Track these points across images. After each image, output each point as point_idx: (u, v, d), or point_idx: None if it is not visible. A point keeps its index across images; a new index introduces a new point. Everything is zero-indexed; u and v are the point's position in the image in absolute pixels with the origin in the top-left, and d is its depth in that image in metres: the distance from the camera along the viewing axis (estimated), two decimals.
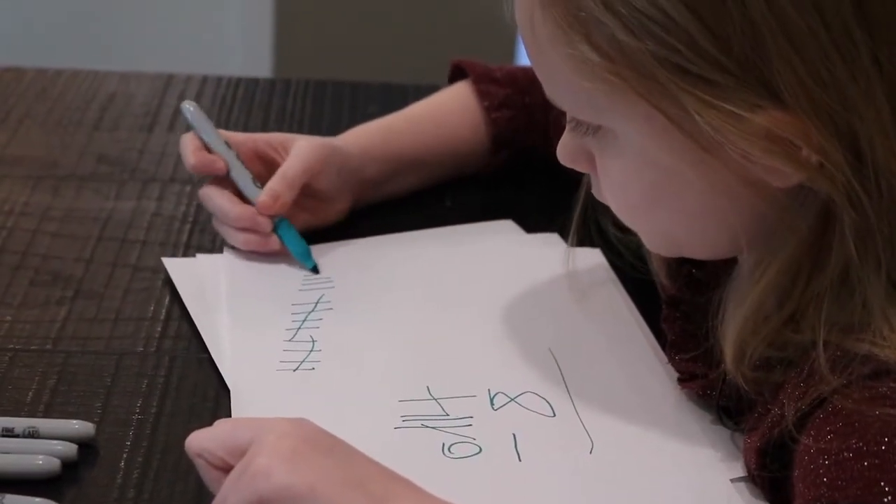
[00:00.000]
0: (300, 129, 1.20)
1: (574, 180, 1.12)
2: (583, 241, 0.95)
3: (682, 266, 0.86)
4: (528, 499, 0.77)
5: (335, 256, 1.01)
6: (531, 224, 1.07)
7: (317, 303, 0.95)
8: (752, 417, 0.76)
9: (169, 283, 0.97)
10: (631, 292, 0.97)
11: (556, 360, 0.89)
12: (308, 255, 1.00)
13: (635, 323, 0.93)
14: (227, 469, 0.69)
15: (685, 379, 0.84)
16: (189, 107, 1.04)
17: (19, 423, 0.80)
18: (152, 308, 0.95)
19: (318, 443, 0.68)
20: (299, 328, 0.92)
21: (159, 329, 0.92)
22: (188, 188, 1.10)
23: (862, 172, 0.68)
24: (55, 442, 0.78)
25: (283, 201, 0.99)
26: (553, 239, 1.04)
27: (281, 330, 0.92)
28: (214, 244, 1.03)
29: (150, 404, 0.84)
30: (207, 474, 0.71)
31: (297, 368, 0.88)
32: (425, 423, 0.82)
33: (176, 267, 0.99)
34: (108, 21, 2.71)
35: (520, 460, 0.79)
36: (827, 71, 0.67)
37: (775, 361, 0.73)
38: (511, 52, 2.67)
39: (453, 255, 1.03)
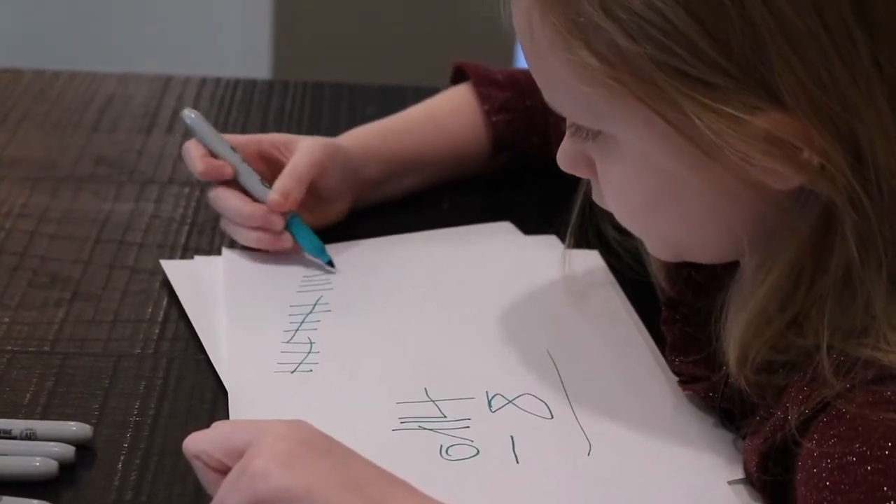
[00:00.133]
0: (298, 131, 1.20)
1: (573, 182, 1.12)
2: (580, 243, 0.95)
3: (681, 269, 0.86)
4: (525, 501, 0.77)
5: (333, 258, 1.01)
6: (530, 226, 1.07)
7: (315, 304, 0.95)
8: (753, 420, 0.75)
9: (167, 284, 0.97)
10: (629, 294, 0.97)
11: (553, 363, 0.89)
12: (322, 250, 1.00)
13: (633, 325, 0.93)
14: (224, 471, 0.69)
15: (686, 381, 0.84)
16: (190, 114, 1.04)
17: (17, 424, 0.80)
18: (150, 310, 0.95)
19: (315, 445, 0.68)
20: (297, 329, 0.92)
21: (157, 331, 0.92)
22: (186, 190, 1.10)
23: (863, 174, 0.68)
24: (52, 444, 0.78)
25: (294, 198, 0.99)
26: (551, 241, 1.04)
27: (279, 331, 0.92)
28: (212, 246, 1.03)
29: (147, 406, 0.84)
30: (205, 476, 0.71)
31: (295, 370, 0.88)
32: (423, 425, 0.82)
33: (174, 269, 0.99)
34: (107, 22, 2.71)
35: (517, 462, 0.79)
36: (827, 72, 0.67)
37: (778, 365, 0.73)
38: (510, 54, 2.67)
39: (452, 257, 1.03)
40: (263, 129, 1.22)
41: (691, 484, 0.78)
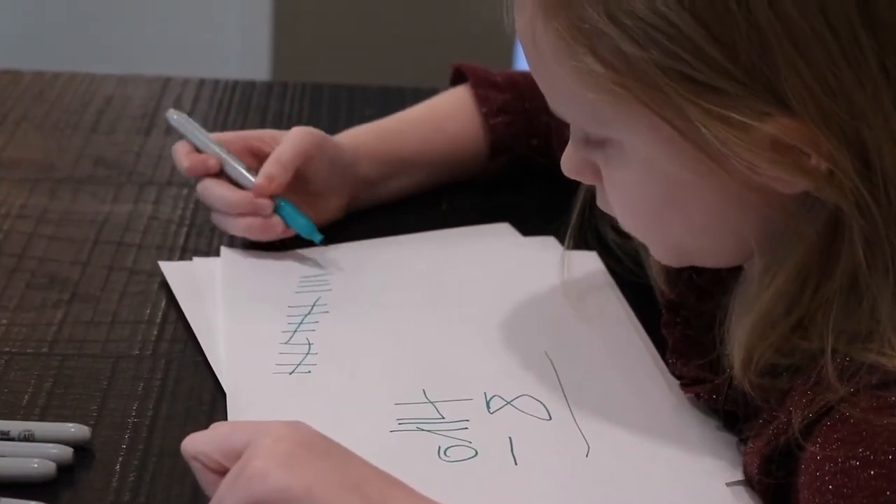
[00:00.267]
0: None
1: (572, 185, 1.12)
2: (579, 245, 0.95)
3: (682, 272, 0.86)
4: (524, 502, 0.77)
5: (332, 259, 1.01)
6: (528, 228, 1.07)
7: (313, 305, 0.95)
8: (756, 424, 0.75)
9: (165, 286, 0.97)
10: (628, 297, 0.97)
11: (552, 364, 0.89)
12: (314, 229, 1.00)
13: (632, 326, 0.93)
14: (222, 472, 0.69)
15: (688, 384, 0.84)
16: (173, 115, 1.05)
17: (15, 426, 0.80)
18: (148, 311, 0.95)
19: (314, 446, 0.68)
20: (295, 331, 0.92)
21: (155, 332, 0.92)
22: (185, 191, 1.10)
23: (871, 180, 0.68)
24: (51, 445, 0.78)
25: (279, 182, 1.00)
26: (550, 242, 1.04)
27: (277, 333, 0.92)
28: (211, 247, 1.03)
29: (146, 407, 0.84)
30: (203, 477, 0.71)
31: (293, 371, 0.88)
32: (421, 426, 0.82)
33: (172, 270, 0.99)
34: (106, 23, 2.71)
35: (516, 464, 0.79)
36: (834, 76, 0.67)
37: (782, 368, 0.73)
38: (510, 56, 2.67)
39: (450, 258, 1.03)
40: None
41: (689, 485, 0.78)
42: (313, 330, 0.92)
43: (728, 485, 0.77)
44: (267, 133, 1.06)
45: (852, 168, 0.67)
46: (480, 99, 1.11)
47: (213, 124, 1.23)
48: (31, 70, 1.35)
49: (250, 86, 1.34)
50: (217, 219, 1.02)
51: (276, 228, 1.00)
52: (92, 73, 1.35)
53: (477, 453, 0.80)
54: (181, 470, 0.77)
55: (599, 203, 0.82)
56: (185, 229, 1.06)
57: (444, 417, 0.83)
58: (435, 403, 0.85)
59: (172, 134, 1.20)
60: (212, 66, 2.46)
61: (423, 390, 0.86)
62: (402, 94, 1.29)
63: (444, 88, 1.16)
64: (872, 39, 0.67)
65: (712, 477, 0.78)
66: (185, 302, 0.95)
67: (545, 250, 1.03)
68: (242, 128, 1.24)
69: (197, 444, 0.71)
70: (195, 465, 0.71)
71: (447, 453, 0.80)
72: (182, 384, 0.87)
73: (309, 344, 0.91)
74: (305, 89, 1.34)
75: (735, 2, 0.66)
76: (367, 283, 0.99)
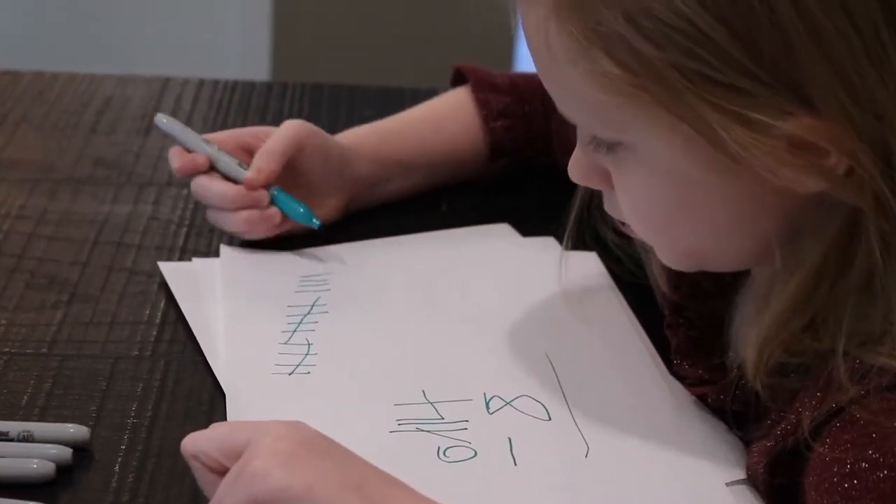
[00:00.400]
0: None
1: (571, 186, 1.12)
2: (578, 246, 0.95)
3: (685, 273, 0.85)
4: (523, 503, 0.77)
5: (331, 258, 1.01)
6: (528, 228, 1.07)
7: (312, 305, 0.95)
8: (764, 424, 0.75)
9: (164, 286, 0.97)
10: (628, 297, 0.97)
11: (551, 364, 0.89)
12: (310, 215, 1.00)
13: (631, 327, 0.93)
14: (222, 472, 0.69)
15: (694, 384, 0.83)
16: (163, 119, 1.06)
17: (14, 426, 0.80)
18: (148, 312, 0.95)
19: (314, 445, 0.68)
20: (295, 331, 0.92)
21: (155, 333, 0.92)
22: (185, 192, 1.10)
23: (892, 178, 0.67)
24: (50, 446, 0.78)
25: (268, 171, 1.00)
26: (549, 243, 1.04)
27: (276, 333, 0.92)
28: (210, 248, 1.03)
29: (145, 408, 0.84)
30: (203, 477, 0.71)
31: (292, 372, 0.88)
32: (420, 426, 0.82)
33: (171, 271, 0.99)
34: (106, 24, 2.71)
35: (515, 464, 0.79)
36: (857, 75, 0.66)
37: (790, 368, 0.72)
38: (510, 57, 2.67)
39: (449, 259, 1.03)
40: None
41: (689, 486, 0.78)
42: (313, 330, 0.92)
43: (728, 485, 0.77)
44: (260, 129, 1.06)
45: (874, 166, 0.67)
46: (480, 102, 1.11)
47: (212, 125, 1.23)
48: (31, 70, 1.35)
49: (250, 86, 1.34)
50: (213, 216, 1.02)
51: (273, 219, 1.00)
52: (91, 73, 1.35)
53: (476, 454, 0.80)
54: (180, 470, 0.77)
55: (607, 208, 0.81)
56: (184, 230, 1.06)
57: (443, 418, 0.83)
58: (434, 404, 0.85)
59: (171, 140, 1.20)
60: (211, 67, 2.46)
61: (423, 391, 0.86)
62: (402, 95, 1.29)
63: (444, 89, 1.16)
64: (894, 36, 0.66)
65: (712, 477, 0.78)
66: (185, 302, 0.95)
67: (545, 251, 1.03)
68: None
69: (197, 443, 0.71)
70: (195, 465, 0.71)
71: (447, 454, 0.80)
72: (181, 385, 0.87)
73: (308, 344, 0.91)
74: (305, 90, 1.34)
75: (758, 1, 0.65)
76: (367, 284, 0.99)
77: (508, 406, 0.85)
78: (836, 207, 0.70)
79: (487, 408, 0.84)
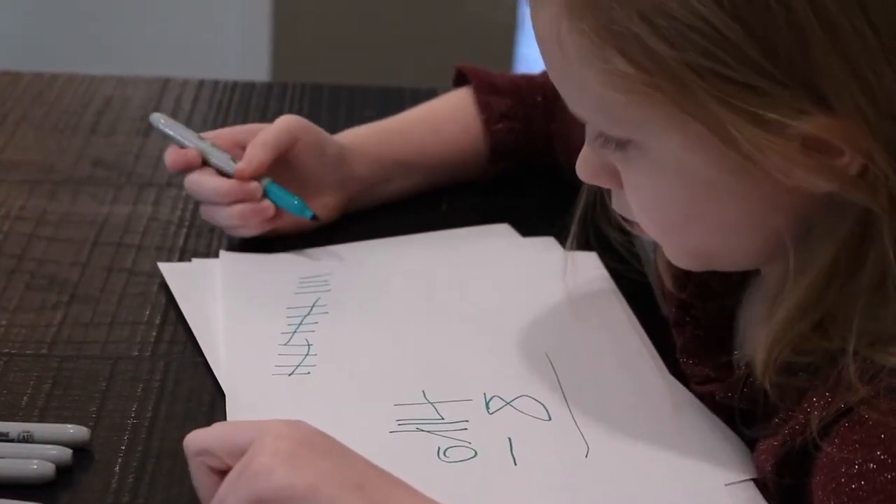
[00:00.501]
0: None
1: (572, 186, 1.12)
2: (582, 246, 0.94)
3: (692, 272, 0.84)
4: (523, 503, 0.77)
5: (331, 259, 1.01)
6: (528, 229, 1.07)
7: (312, 306, 0.95)
8: (772, 423, 0.75)
9: (164, 287, 0.97)
10: (629, 297, 0.96)
11: (551, 364, 0.89)
12: (304, 207, 1.00)
13: (631, 327, 0.93)
14: (224, 471, 0.69)
15: (700, 382, 0.83)
16: (159, 118, 1.07)
17: (14, 427, 0.80)
18: (148, 312, 0.95)
19: (316, 444, 0.68)
20: (295, 332, 0.92)
21: (154, 333, 0.92)
22: (184, 193, 1.10)
23: None
24: (50, 446, 0.78)
25: (259, 161, 1.00)
26: (549, 242, 1.04)
27: (276, 334, 0.92)
28: (210, 248, 1.03)
29: (145, 409, 0.84)
30: (200, 477, 0.71)
31: (292, 373, 0.88)
32: (421, 426, 0.82)
33: (171, 271, 0.99)
34: (105, 24, 2.71)
35: (515, 464, 0.79)
36: (873, 73, 0.66)
37: (798, 366, 0.72)
38: (510, 57, 2.67)
39: (449, 259, 1.03)
40: None
41: (688, 486, 0.78)
42: (313, 331, 0.92)
43: (727, 485, 0.77)
44: (255, 126, 1.06)
45: (888, 165, 0.67)
46: (482, 105, 1.11)
47: (212, 125, 1.23)
48: (31, 71, 1.35)
49: (250, 86, 1.34)
50: (207, 212, 1.02)
51: (267, 212, 1.00)
52: (91, 74, 1.35)
53: (476, 454, 0.80)
54: (180, 471, 0.77)
55: (615, 206, 0.81)
56: (184, 230, 1.06)
57: (443, 418, 0.83)
58: (434, 404, 0.85)
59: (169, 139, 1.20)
60: (211, 67, 2.46)
61: (423, 391, 0.86)
62: (402, 95, 1.29)
63: (444, 89, 1.16)
64: None
65: (712, 477, 0.78)
66: (185, 303, 0.95)
67: (545, 251, 1.03)
68: None
69: (200, 440, 0.71)
70: (196, 463, 0.71)
71: (447, 454, 0.80)
72: (181, 385, 0.87)
73: (308, 345, 0.91)
74: (305, 90, 1.34)
75: (775, 0, 0.65)
76: (367, 284, 0.99)
77: (508, 406, 0.85)
78: (847, 207, 0.70)
79: (487, 408, 0.84)
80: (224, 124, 1.24)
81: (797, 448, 0.71)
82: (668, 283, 0.86)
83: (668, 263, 0.84)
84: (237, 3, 2.69)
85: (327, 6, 2.70)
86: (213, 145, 1.02)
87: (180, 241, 1.04)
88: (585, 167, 0.79)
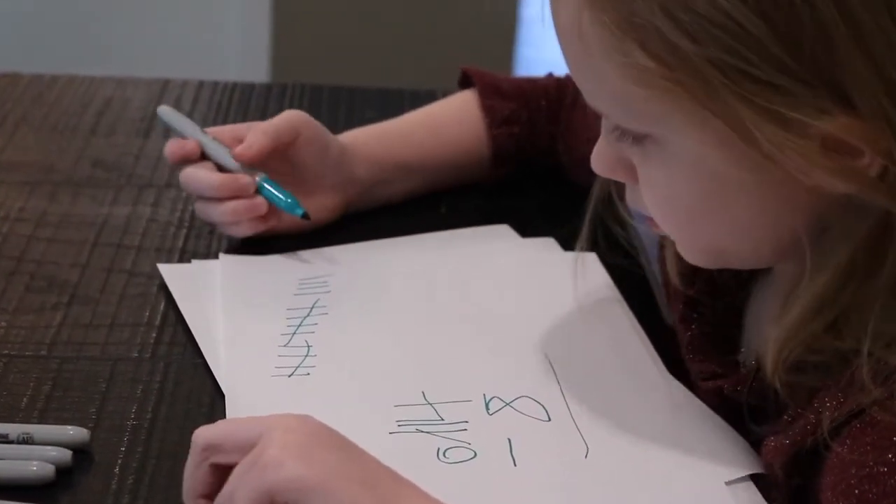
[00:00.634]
0: None
1: (572, 187, 1.13)
2: (591, 244, 0.94)
3: (700, 269, 0.84)
4: (522, 503, 0.77)
5: (331, 260, 1.01)
6: (528, 229, 1.07)
7: (312, 307, 0.95)
8: (781, 420, 0.74)
9: (164, 288, 0.97)
10: (629, 297, 0.96)
11: (551, 365, 0.89)
12: (296, 204, 1.00)
13: (632, 327, 0.93)
14: (227, 470, 0.69)
15: (707, 378, 0.83)
16: (165, 110, 1.07)
17: (14, 428, 0.80)
18: (147, 314, 0.95)
19: (325, 439, 0.68)
20: (294, 333, 0.92)
21: (154, 335, 0.92)
22: (184, 193, 1.10)
23: None
24: (49, 448, 0.78)
25: (260, 146, 1.00)
26: (549, 243, 1.04)
27: (276, 335, 0.92)
28: (210, 250, 1.03)
29: (145, 410, 0.84)
30: (201, 474, 0.70)
31: (292, 374, 0.88)
32: (420, 427, 0.82)
33: (171, 272, 0.99)
34: (105, 26, 2.71)
35: (515, 465, 0.79)
36: None
37: (809, 366, 0.72)
38: (510, 59, 2.67)
39: (449, 260, 1.03)
40: None
41: (688, 486, 0.78)
42: (312, 332, 0.92)
43: (728, 483, 0.77)
44: (257, 123, 1.06)
45: None
46: (486, 108, 1.10)
47: (212, 126, 1.23)
48: (30, 72, 1.35)
49: (249, 87, 1.34)
50: (201, 208, 1.02)
51: (259, 208, 1.00)
52: (91, 75, 1.35)
53: (476, 455, 0.80)
54: (180, 472, 0.76)
55: (629, 200, 0.80)
56: (184, 231, 1.06)
57: (443, 419, 0.83)
58: (434, 405, 0.85)
59: (171, 136, 1.20)
60: (211, 68, 2.47)
61: (423, 392, 0.86)
62: (402, 96, 1.30)
63: (444, 90, 1.16)
64: None
65: (712, 477, 0.78)
66: (184, 304, 0.95)
67: (544, 252, 1.03)
68: None
69: (209, 435, 0.70)
70: (199, 458, 0.70)
71: (446, 455, 0.80)
72: (181, 387, 0.87)
73: (308, 346, 0.91)
74: (305, 91, 1.34)
75: None
76: (366, 285, 0.99)
77: (508, 407, 0.85)
78: (867, 208, 0.69)
79: (487, 409, 0.85)
80: (224, 125, 1.24)
81: (807, 448, 0.71)
82: (675, 280, 0.86)
83: (677, 259, 0.83)
84: (237, 4, 2.69)
85: (327, 7, 2.70)
86: (214, 139, 1.03)
87: (180, 243, 1.04)
88: (601, 160, 0.78)
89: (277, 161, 1.03)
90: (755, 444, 0.79)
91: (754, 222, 0.73)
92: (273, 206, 1.01)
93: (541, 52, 3.47)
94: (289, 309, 0.95)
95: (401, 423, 0.83)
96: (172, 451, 0.79)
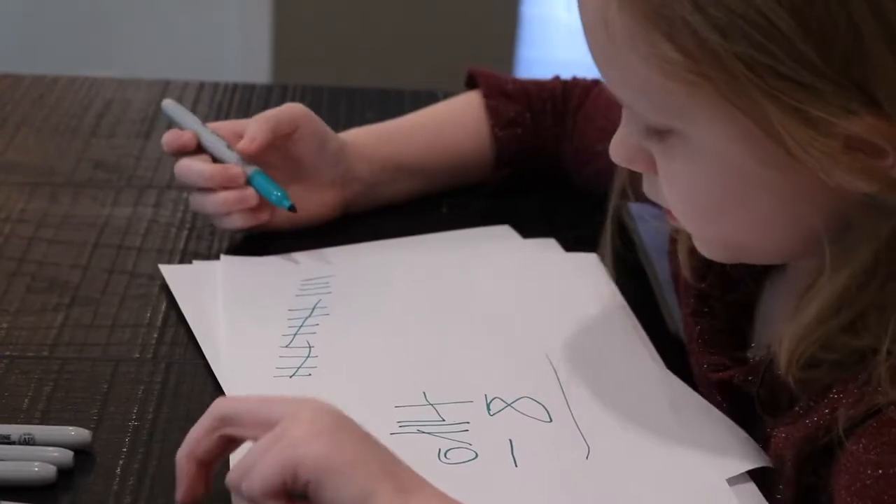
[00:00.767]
0: None
1: (573, 188, 1.13)
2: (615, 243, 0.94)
3: (713, 263, 0.83)
4: None
5: (332, 261, 1.01)
6: (529, 231, 1.07)
7: (313, 308, 0.95)
8: (793, 410, 0.74)
9: (165, 289, 0.97)
10: (630, 298, 0.96)
11: (552, 366, 0.89)
12: (285, 197, 1.00)
13: (633, 328, 0.93)
14: (234, 443, 0.70)
15: (717, 370, 0.82)
16: (169, 104, 1.07)
17: (15, 429, 0.80)
18: (149, 314, 0.95)
19: (350, 428, 0.68)
20: (296, 334, 0.92)
21: (156, 335, 0.92)
22: (185, 194, 1.10)
23: None
24: (51, 449, 0.78)
25: (260, 139, 1.00)
26: (550, 244, 1.04)
27: (277, 336, 0.92)
28: (211, 250, 1.03)
29: (146, 411, 0.84)
30: (208, 443, 0.70)
31: (293, 374, 0.88)
32: (421, 428, 0.82)
33: (172, 273, 0.99)
34: (106, 27, 2.71)
35: (516, 466, 0.79)
36: None
37: (823, 362, 0.72)
38: (510, 61, 2.67)
39: (450, 261, 1.03)
40: None
41: (690, 488, 0.78)
42: (314, 333, 0.92)
43: (729, 480, 0.77)
44: (257, 115, 1.06)
45: None
46: (490, 110, 1.10)
47: None
48: (31, 74, 1.35)
49: (250, 88, 1.34)
50: (195, 200, 1.02)
51: (249, 200, 1.00)
52: (92, 76, 1.35)
53: (477, 456, 0.80)
54: None
55: (647, 192, 0.79)
56: (185, 232, 1.06)
57: (444, 420, 0.83)
58: (435, 406, 0.85)
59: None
60: (212, 69, 2.47)
61: (424, 393, 0.86)
62: (402, 98, 1.30)
63: (444, 91, 1.16)
64: None
65: (714, 480, 0.78)
66: (186, 304, 0.95)
67: (545, 252, 1.03)
68: None
69: (229, 406, 0.71)
70: (212, 426, 0.70)
71: (447, 455, 0.80)
72: (182, 387, 0.87)
73: (309, 347, 0.91)
74: (305, 92, 1.34)
75: None
76: (368, 286, 0.99)
77: (509, 408, 0.85)
78: (889, 207, 0.69)
79: (488, 409, 0.85)
80: None
81: (820, 443, 0.71)
82: (687, 274, 0.85)
83: (690, 253, 0.83)
84: (237, 5, 2.70)
85: (327, 8, 2.70)
86: (213, 132, 1.03)
87: (181, 244, 1.04)
88: (621, 150, 0.78)
89: (275, 154, 1.03)
90: (764, 435, 0.78)
91: (774, 218, 0.73)
92: (265, 201, 1.01)
93: (541, 53, 3.48)
94: (290, 310, 0.95)
95: (402, 424, 0.83)
96: (174, 452, 0.79)
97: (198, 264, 1.01)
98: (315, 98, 1.32)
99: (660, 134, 0.73)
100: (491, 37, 2.55)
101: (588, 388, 0.86)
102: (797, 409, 0.74)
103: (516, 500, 0.77)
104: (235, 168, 1.00)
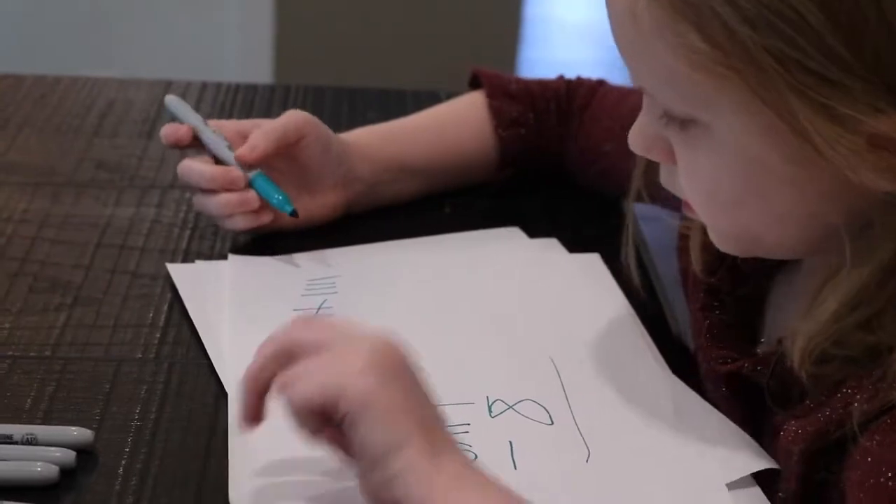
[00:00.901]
0: None
1: (575, 188, 1.13)
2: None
3: (725, 257, 0.83)
4: None
5: (337, 261, 1.01)
6: (532, 232, 1.07)
7: (319, 308, 0.95)
8: (803, 405, 0.74)
9: (168, 289, 0.97)
10: (633, 300, 0.96)
11: (555, 368, 0.89)
12: (287, 201, 1.00)
13: (636, 331, 0.93)
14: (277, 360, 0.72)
15: (727, 362, 0.82)
16: (172, 100, 1.08)
17: (18, 429, 0.80)
18: (151, 314, 0.95)
19: (402, 373, 0.70)
20: None
21: (158, 335, 0.92)
22: (187, 194, 1.10)
23: None
24: (53, 449, 0.78)
25: (261, 149, 1.00)
26: (553, 244, 1.04)
27: None
28: (213, 250, 1.03)
29: (148, 411, 0.84)
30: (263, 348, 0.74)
31: None
32: None
33: (179, 272, 0.99)
34: (108, 27, 2.71)
35: (515, 468, 0.79)
36: None
37: (835, 358, 0.71)
38: (513, 61, 2.67)
39: (455, 262, 1.03)
40: None
41: (690, 491, 0.78)
42: None
43: (729, 486, 0.77)
44: (263, 121, 1.06)
45: None
46: (493, 110, 1.10)
47: None
48: (33, 74, 1.35)
49: (252, 89, 1.35)
50: (198, 200, 1.02)
51: (251, 203, 1.00)
52: (94, 76, 1.35)
53: (477, 457, 0.80)
54: (183, 473, 0.77)
55: (664, 181, 0.79)
56: (187, 232, 1.06)
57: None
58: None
59: None
60: (214, 69, 2.47)
61: None
62: (404, 98, 1.30)
63: (446, 91, 1.16)
64: None
65: (714, 483, 0.78)
66: (191, 303, 0.95)
67: (548, 253, 1.03)
68: None
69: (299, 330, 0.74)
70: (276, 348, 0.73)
71: None
72: (185, 387, 0.87)
73: None
74: (307, 92, 1.34)
75: None
76: (373, 286, 0.99)
77: (511, 410, 0.85)
78: None
79: (490, 411, 0.84)
80: None
81: (832, 438, 0.70)
82: (698, 268, 0.85)
83: (703, 247, 0.83)
84: (239, 5, 2.70)
85: (329, 8, 2.70)
86: (216, 132, 1.03)
87: (184, 244, 1.04)
88: (641, 139, 0.78)
89: (280, 159, 1.03)
90: (773, 429, 0.78)
91: (793, 213, 0.73)
92: (267, 202, 1.01)
93: (543, 53, 3.48)
94: (296, 310, 0.95)
95: None
96: (176, 452, 0.80)
97: (204, 263, 1.01)
98: (317, 98, 1.32)
99: (682, 125, 0.73)
100: (493, 37, 2.55)
101: (591, 391, 0.86)
102: (808, 402, 0.73)
103: None
104: (237, 171, 1.00)
